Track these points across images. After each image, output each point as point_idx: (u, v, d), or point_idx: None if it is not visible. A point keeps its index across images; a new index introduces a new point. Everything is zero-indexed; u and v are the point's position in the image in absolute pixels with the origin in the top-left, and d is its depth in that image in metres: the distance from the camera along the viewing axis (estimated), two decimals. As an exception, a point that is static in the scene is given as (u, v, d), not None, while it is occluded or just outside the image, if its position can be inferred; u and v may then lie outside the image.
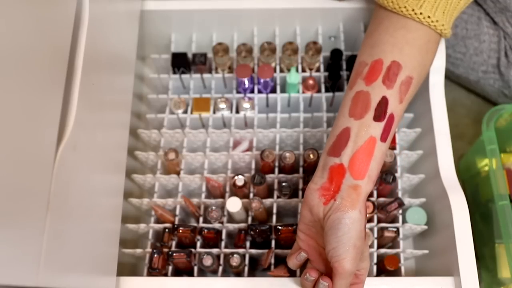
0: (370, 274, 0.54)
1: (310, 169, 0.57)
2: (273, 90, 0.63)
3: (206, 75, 0.63)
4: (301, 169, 0.57)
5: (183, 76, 0.63)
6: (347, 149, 0.42)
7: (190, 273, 0.55)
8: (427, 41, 0.46)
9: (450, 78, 0.77)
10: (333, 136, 0.44)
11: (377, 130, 0.42)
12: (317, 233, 0.45)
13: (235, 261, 0.52)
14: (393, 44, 0.45)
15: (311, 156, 0.55)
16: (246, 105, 0.60)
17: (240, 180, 0.55)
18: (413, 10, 0.44)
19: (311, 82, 0.62)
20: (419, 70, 0.45)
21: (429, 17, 0.45)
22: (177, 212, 0.57)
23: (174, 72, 0.63)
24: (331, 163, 0.43)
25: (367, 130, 0.42)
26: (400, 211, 0.56)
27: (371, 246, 0.55)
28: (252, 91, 0.62)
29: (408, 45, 0.45)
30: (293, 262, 0.47)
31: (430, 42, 0.46)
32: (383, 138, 0.43)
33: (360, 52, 0.47)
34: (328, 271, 0.44)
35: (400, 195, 0.57)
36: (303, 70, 0.64)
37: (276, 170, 0.57)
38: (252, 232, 0.53)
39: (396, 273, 0.55)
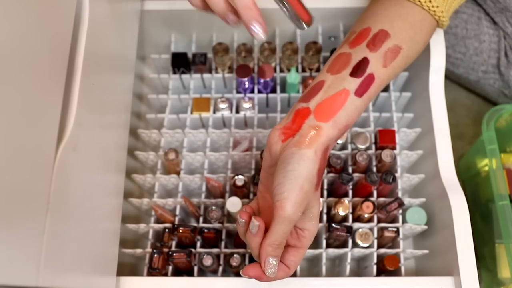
0: (370, 274, 0.54)
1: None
2: (273, 90, 0.63)
3: (206, 75, 0.63)
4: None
5: (183, 76, 0.63)
6: (317, 96, 0.41)
7: (190, 273, 0.55)
8: (421, 19, 0.45)
9: (450, 78, 0.77)
10: (307, 88, 0.44)
11: (351, 84, 0.41)
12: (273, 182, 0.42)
13: (235, 261, 0.52)
14: (385, 16, 0.44)
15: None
16: (246, 105, 0.60)
17: (240, 180, 0.55)
18: None
19: (311, 82, 0.62)
20: (410, 44, 0.44)
21: (430, 1, 0.45)
22: (177, 212, 0.57)
23: (174, 72, 0.63)
24: (298, 107, 0.42)
25: (341, 82, 0.41)
26: (400, 211, 0.56)
27: (371, 245, 0.55)
28: (252, 91, 0.62)
29: (401, 19, 0.44)
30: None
31: (424, 21, 0.46)
32: (358, 93, 0.41)
33: (352, 25, 0.47)
34: None
35: (400, 195, 0.57)
36: (303, 70, 0.64)
37: (276, 170, 0.57)
38: (252, 232, 0.53)
39: (396, 273, 0.54)
